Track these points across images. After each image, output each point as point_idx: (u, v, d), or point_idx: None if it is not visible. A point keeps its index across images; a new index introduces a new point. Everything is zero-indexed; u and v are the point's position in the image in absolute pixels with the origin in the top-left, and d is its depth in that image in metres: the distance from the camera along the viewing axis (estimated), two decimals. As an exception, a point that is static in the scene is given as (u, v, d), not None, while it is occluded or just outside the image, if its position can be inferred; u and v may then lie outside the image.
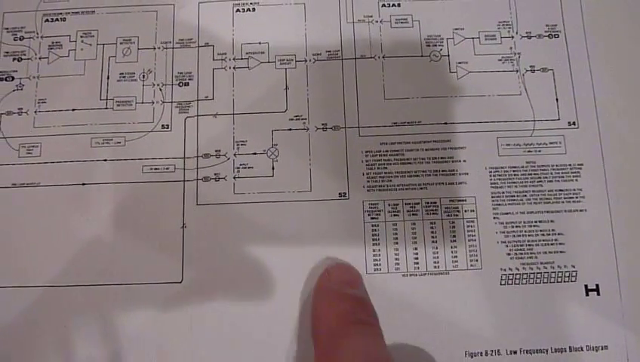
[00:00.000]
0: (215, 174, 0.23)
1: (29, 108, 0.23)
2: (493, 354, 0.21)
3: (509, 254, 0.22)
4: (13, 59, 0.24)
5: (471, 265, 0.22)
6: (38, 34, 0.24)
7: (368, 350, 0.17)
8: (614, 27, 0.24)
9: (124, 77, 0.24)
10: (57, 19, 0.24)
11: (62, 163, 0.23)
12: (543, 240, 0.22)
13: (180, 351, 0.21)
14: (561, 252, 0.22)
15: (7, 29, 0.24)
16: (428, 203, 0.22)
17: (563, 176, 0.23)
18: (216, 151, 0.23)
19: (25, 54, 0.24)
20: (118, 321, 0.21)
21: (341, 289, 0.20)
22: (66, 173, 0.23)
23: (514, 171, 0.23)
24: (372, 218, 0.22)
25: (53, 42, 0.24)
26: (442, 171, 0.23)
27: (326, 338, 0.18)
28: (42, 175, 0.23)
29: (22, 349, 0.21)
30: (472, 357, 0.21)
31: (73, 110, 0.23)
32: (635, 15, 0.24)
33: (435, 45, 0.24)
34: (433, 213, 0.22)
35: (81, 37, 0.24)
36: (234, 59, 0.24)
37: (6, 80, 0.24)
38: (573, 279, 0.22)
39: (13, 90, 0.24)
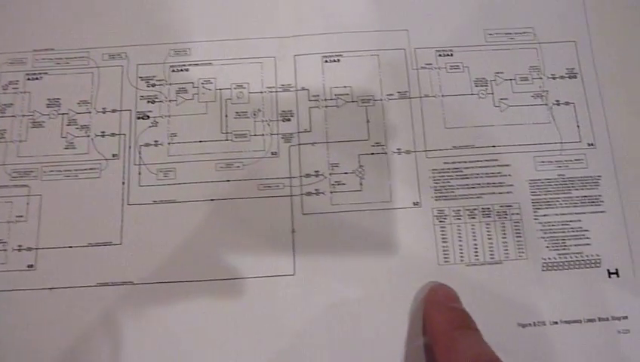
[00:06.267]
0: (316, 190, 0.29)
1: (164, 140, 0.30)
2: (539, 324, 0.27)
3: (547, 247, 0.28)
4: (148, 101, 0.30)
5: (519, 256, 0.28)
6: (167, 81, 0.30)
7: (478, 346, 0.23)
8: (623, 67, 0.31)
9: (239, 115, 0.30)
10: (182, 70, 0.31)
11: (193, 183, 0.29)
12: (573, 236, 0.28)
13: (294, 329, 0.27)
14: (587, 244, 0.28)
15: (141, 77, 0.31)
16: (483, 208, 0.29)
17: (585, 186, 0.29)
18: (315, 171, 0.29)
19: (157, 98, 0.30)
20: (239, 308, 0.27)
21: (447, 303, 0.26)
22: (197, 191, 0.29)
23: (548, 182, 0.29)
24: (440, 221, 0.28)
25: (179, 88, 0.30)
26: (492, 183, 0.29)
27: (444, 339, 0.24)
28: (178, 193, 0.29)
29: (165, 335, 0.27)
30: (523, 327, 0.27)
31: (200, 141, 0.30)
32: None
33: (482, 85, 0.30)
34: (487, 216, 0.28)
35: (202, 84, 0.30)
36: (325, 99, 0.30)
37: (143, 118, 0.30)
38: (598, 265, 0.28)
39: (149, 127, 0.30)
